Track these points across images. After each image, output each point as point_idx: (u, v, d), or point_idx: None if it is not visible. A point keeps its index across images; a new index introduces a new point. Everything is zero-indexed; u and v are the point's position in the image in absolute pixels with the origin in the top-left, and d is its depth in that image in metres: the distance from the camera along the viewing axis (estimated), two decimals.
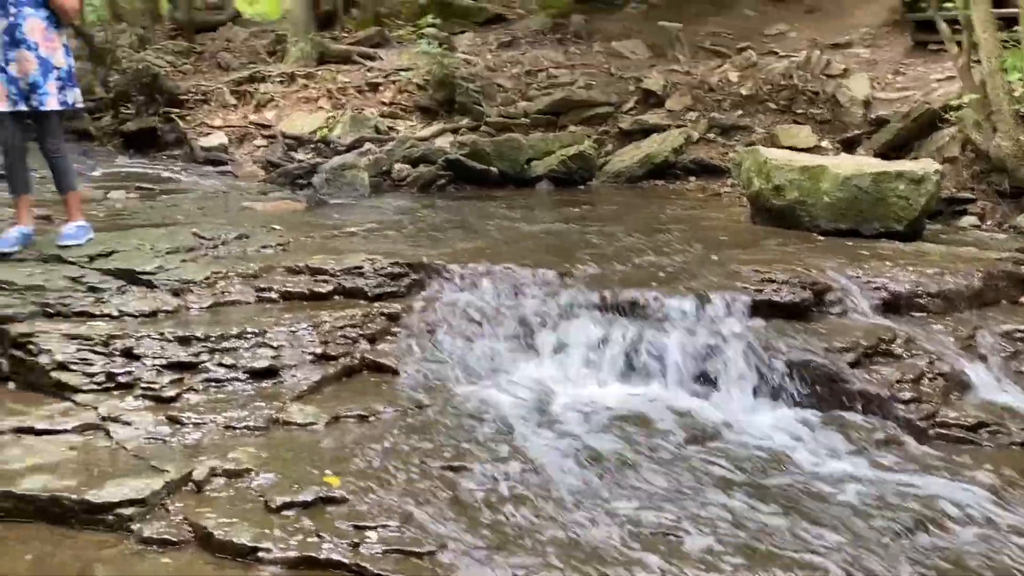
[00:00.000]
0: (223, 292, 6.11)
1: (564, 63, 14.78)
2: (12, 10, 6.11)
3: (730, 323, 5.62)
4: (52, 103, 6.24)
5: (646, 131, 12.16)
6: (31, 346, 5.28)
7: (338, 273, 6.27)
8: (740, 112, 12.33)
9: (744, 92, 12.64)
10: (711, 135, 12.01)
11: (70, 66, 6.39)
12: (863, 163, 8.11)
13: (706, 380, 5.38)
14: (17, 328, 5.44)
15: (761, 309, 5.75)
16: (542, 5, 17.33)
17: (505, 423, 4.93)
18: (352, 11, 19.86)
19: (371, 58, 15.93)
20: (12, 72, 6.13)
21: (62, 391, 5.09)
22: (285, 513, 4.01)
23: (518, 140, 11.50)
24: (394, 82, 14.64)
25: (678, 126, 12.06)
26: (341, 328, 5.69)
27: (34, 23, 6.16)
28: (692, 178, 11.27)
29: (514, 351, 5.73)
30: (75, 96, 6.44)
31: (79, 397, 5.03)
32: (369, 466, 4.40)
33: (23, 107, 6.19)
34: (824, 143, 11.18)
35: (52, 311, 5.68)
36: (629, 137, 12.25)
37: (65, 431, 4.72)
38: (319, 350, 5.50)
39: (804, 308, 5.88)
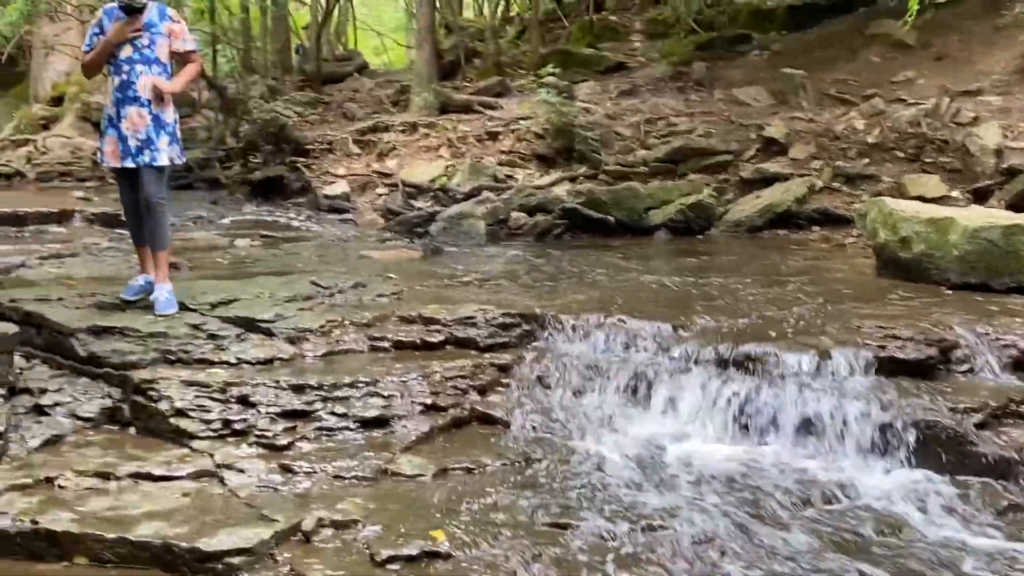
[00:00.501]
0: (337, 341, 6.18)
1: (684, 111, 14.69)
2: (125, 67, 6.13)
3: (851, 381, 5.45)
4: (163, 159, 6.21)
5: (768, 180, 11.97)
6: (152, 392, 5.42)
7: (450, 323, 6.29)
8: (866, 161, 12.06)
9: (870, 140, 12.35)
10: (836, 184, 11.76)
11: (175, 121, 6.37)
12: (994, 215, 7.82)
13: (824, 439, 5.20)
14: (139, 374, 5.58)
15: (884, 366, 5.55)
16: (664, 53, 17.28)
17: (615, 479, 4.84)
18: (474, 61, 20.14)
19: (491, 107, 16.10)
20: (124, 129, 6.15)
21: (180, 437, 5.20)
22: (390, 567, 3.99)
23: (636, 189, 11.44)
24: (513, 131, 14.75)
25: (801, 175, 11.84)
26: (451, 379, 5.70)
27: (147, 81, 6.14)
28: (815, 228, 11.02)
29: (625, 405, 5.65)
30: (178, 151, 6.40)
31: (196, 443, 5.13)
32: (475, 520, 4.36)
33: (131, 164, 6.19)
34: (954, 193, 10.83)
35: (173, 358, 5.81)
36: (750, 186, 12.07)
37: (181, 477, 4.81)
38: (429, 400, 5.51)
39: (929, 366, 5.67)
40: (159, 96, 6.17)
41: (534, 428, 5.46)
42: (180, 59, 6.39)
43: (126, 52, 6.12)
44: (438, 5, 19.33)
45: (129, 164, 6.18)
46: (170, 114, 6.26)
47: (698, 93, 15.55)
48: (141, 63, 6.13)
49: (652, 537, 4.26)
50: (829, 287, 7.51)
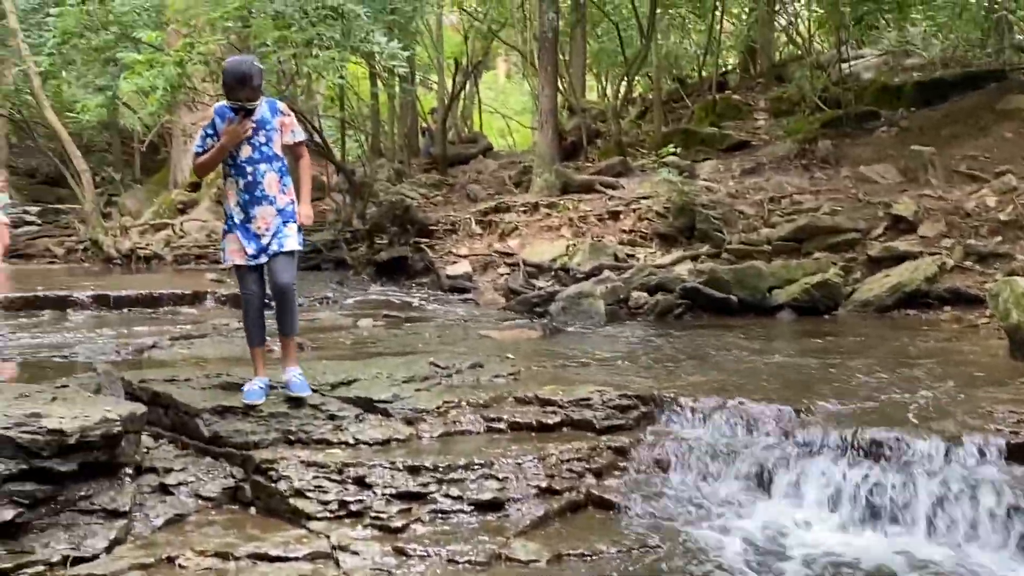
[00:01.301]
0: (454, 421, 6.19)
1: (809, 188, 14.48)
2: (248, 168, 6.04)
3: (983, 468, 5.19)
4: (291, 244, 6.11)
5: (896, 258, 11.67)
6: (272, 472, 5.49)
7: (566, 404, 6.24)
8: (999, 239, 11.67)
9: (1003, 218, 11.97)
10: (967, 263, 11.40)
11: (296, 208, 6.24)
12: None
13: (956, 530, 4.96)
14: (261, 454, 5.67)
15: (1017, 453, 5.28)
16: (788, 131, 17.11)
17: (735, 568, 4.70)
18: (596, 142, 20.27)
19: (612, 187, 16.15)
20: (253, 228, 6.07)
21: (298, 517, 5.24)
22: None
23: (759, 268, 11.27)
24: (634, 210, 14.75)
25: (931, 253, 11.52)
26: (567, 461, 5.64)
27: (271, 178, 6.08)
28: (946, 308, 10.66)
29: (746, 490, 5.50)
30: (301, 238, 6.28)
31: (313, 524, 5.16)
32: None
33: (263, 260, 6.08)
34: None
35: (293, 438, 5.89)
36: (878, 264, 11.78)
37: (297, 559, 4.85)
38: (544, 483, 5.45)
39: None
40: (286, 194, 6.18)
41: (652, 513, 5.35)
42: (290, 151, 6.31)
43: (245, 152, 6.05)
44: (561, 88, 19.56)
45: (262, 260, 6.09)
46: (292, 203, 6.20)
47: (823, 171, 15.31)
48: (263, 161, 6.08)
49: None
50: (959, 370, 7.23)
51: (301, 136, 6.34)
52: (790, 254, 12.45)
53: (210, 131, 6.15)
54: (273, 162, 6.11)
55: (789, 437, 5.70)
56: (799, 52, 20.71)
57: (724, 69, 23.90)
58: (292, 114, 6.36)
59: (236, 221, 6.10)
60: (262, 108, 6.10)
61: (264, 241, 6.05)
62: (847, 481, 5.27)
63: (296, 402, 6.13)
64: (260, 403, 6.06)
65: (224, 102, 6.11)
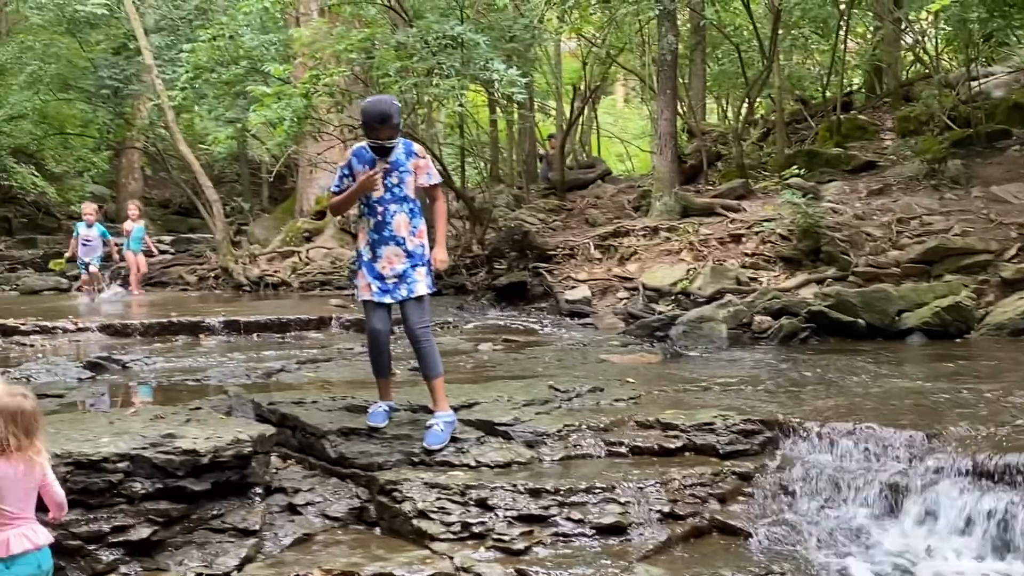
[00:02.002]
0: (575, 445, 6.19)
1: (939, 209, 14.07)
2: (379, 208, 6.09)
3: None
4: (422, 289, 6.13)
5: None
6: (396, 493, 5.57)
7: (689, 429, 6.19)
8: None
9: None
10: None
11: (426, 251, 6.24)
12: None
13: None
14: (385, 475, 5.76)
15: None
16: (916, 151, 16.67)
17: None
18: (717, 164, 20.09)
19: (734, 209, 15.96)
20: (379, 268, 6.11)
21: (421, 538, 5.31)
22: None
23: (887, 291, 11.00)
24: (757, 233, 14.55)
25: None
26: (690, 486, 5.59)
27: (400, 219, 6.10)
28: None
29: (875, 517, 5.37)
30: (431, 281, 6.26)
31: (436, 545, 5.22)
32: None
33: (388, 300, 6.12)
34: None
35: (416, 459, 5.97)
36: (1012, 287, 11.36)
37: None
38: (667, 508, 5.41)
39: None
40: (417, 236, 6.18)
41: (777, 540, 5.26)
42: (425, 193, 6.35)
43: (378, 192, 6.09)
44: (681, 111, 19.47)
45: (387, 300, 6.13)
46: (422, 246, 6.20)
47: (953, 191, 14.87)
48: (394, 202, 6.10)
49: None
50: None
51: (436, 179, 6.33)
52: (919, 277, 12.11)
53: (346, 172, 6.22)
54: (404, 204, 6.13)
55: (919, 462, 5.54)
56: (927, 71, 20.18)
57: (849, 89, 23.44)
58: (428, 156, 6.36)
59: (365, 259, 6.18)
60: (397, 149, 6.12)
61: (389, 283, 6.10)
62: (980, 508, 5.10)
63: (418, 424, 6.23)
64: (383, 425, 6.15)
65: (362, 143, 6.19)
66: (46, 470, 4.24)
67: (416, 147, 6.27)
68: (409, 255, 6.11)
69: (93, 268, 16.38)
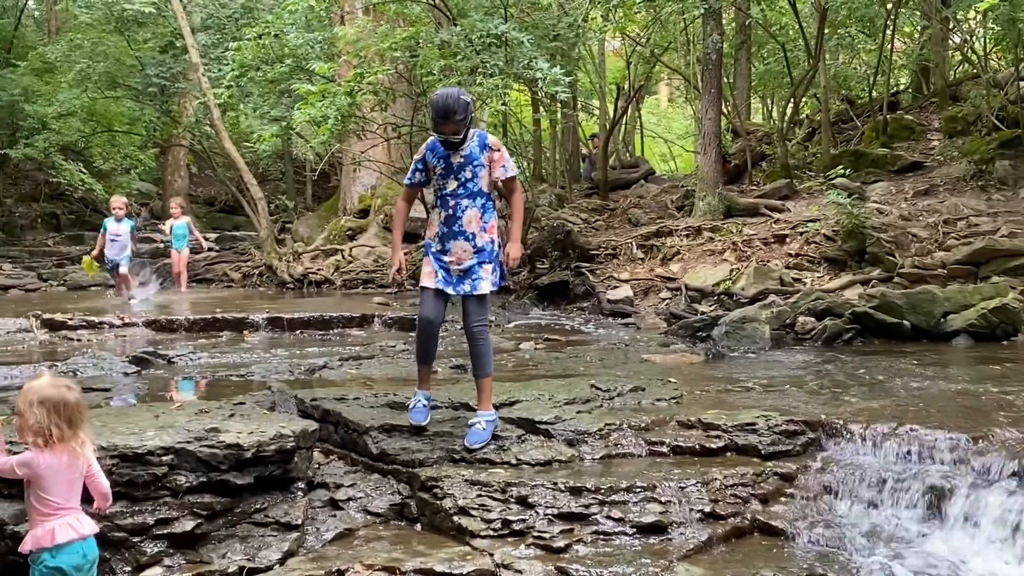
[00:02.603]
0: (616, 444, 6.18)
1: (986, 210, 13.93)
2: (451, 202, 6.00)
3: None
4: (485, 287, 6.03)
5: None
6: (437, 490, 5.59)
7: (730, 429, 6.16)
8: None
9: None
10: None
11: (496, 247, 6.15)
12: None
13: None
14: (426, 472, 5.78)
15: None
16: (964, 151, 16.51)
17: None
18: (761, 164, 19.98)
19: (778, 210, 15.88)
20: (445, 260, 6.02)
21: (462, 535, 5.31)
22: None
23: (933, 292, 10.88)
24: (801, 233, 14.46)
25: None
26: (732, 486, 5.55)
27: (471, 214, 6.00)
28: None
29: (919, 520, 5.31)
30: (498, 277, 6.17)
31: (476, 542, 5.22)
32: None
33: (451, 291, 6.02)
34: None
35: (457, 457, 5.98)
36: None
37: (462, 575, 4.90)
38: (708, 508, 5.38)
39: None
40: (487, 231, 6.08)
41: (820, 541, 5.22)
42: (503, 186, 6.21)
43: (451, 186, 6.01)
44: (725, 110, 19.38)
45: (448, 291, 6.03)
46: (492, 242, 6.10)
47: (1001, 192, 14.71)
48: (466, 197, 6.00)
49: None
50: None
51: (512, 171, 6.17)
52: (966, 278, 11.99)
53: (420, 166, 6.16)
54: (476, 199, 6.02)
55: (964, 465, 5.48)
56: (974, 70, 19.96)
57: (895, 89, 23.24)
58: (502, 148, 6.18)
59: (433, 249, 6.10)
60: (471, 143, 6.01)
61: (454, 275, 6.01)
62: None
63: (459, 422, 6.24)
64: (425, 423, 6.11)
65: (434, 137, 6.07)
66: (91, 461, 4.31)
67: (490, 139, 6.12)
68: (478, 251, 6.03)
69: (123, 269, 15.33)
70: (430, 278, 6.03)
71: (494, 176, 6.07)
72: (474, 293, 6.02)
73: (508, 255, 6.16)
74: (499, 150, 6.09)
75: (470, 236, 6.01)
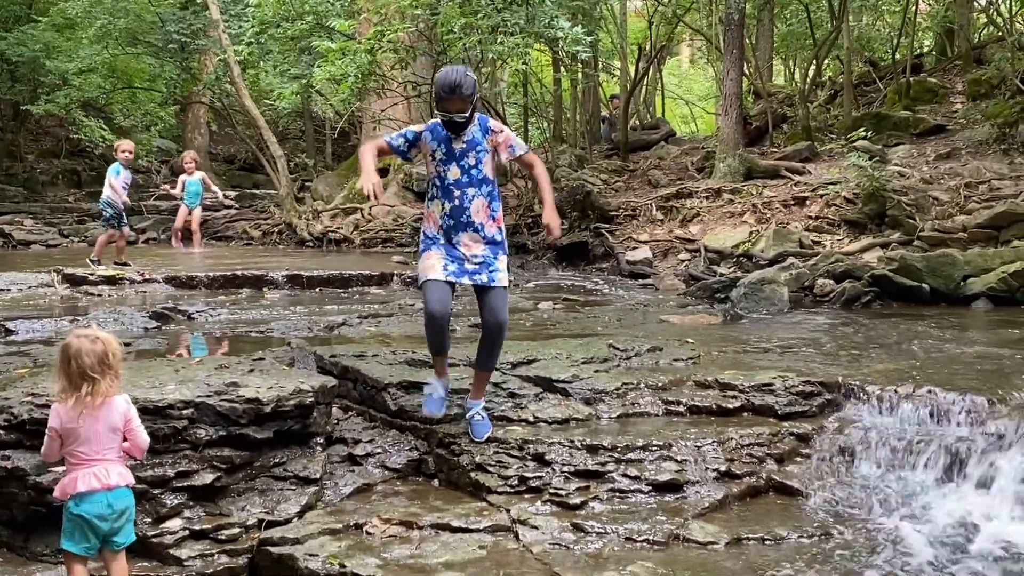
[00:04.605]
0: (632, 403, 6.20)
1: (1008, 174, 13.79)
2: (456, 192, 5.63)
3: None
4: (503, 279, 5.66)
5: None
6: (455, 446, 5.64)
7: (747, 389, 6.17)
8: None
9: None
10: None
11: (504, 235, 5.84)
12: None
13: None
14: (444, 428, 5.81)
15: None
16: (987, 115, 16.33)
17: (919, 560, 4.57)
18: (782, 126, 19.84)
19: (799, 172, 15.78)
20: (460, 250, 5.64)
21: (479, 491, 5.37)
22: None
23: (953, 256, 10.83)
24: (821, 196, 14.38)
25: None
26: (747, 446, 5.58)
27: (479, 203, 5.65)
28: None
29: (934, 481, 5.32)
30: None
31: (493, 498, 5.28)
32: None
33: (466, 280, 5.59)
34: None
35: None
36: None
37: (478, 530, 4.98)
38: (724, 467, 5.41)
39: None
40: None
41: (835, 501, 5.25)
42: (520, 164, 5.98)
43: (454, 174, 5.64)
44: (747, 72, 19.23)
45: (464, 280, 5.60)
46: (501, 232, 5.78)
47: None
48: (471, 185, 5.64)
49: None
50: None
51: (522, 148, 5.81)
52: (987, 242, 11.90)
53: (411, 136, 5.80)
54: (483, 186, 5.66)
55: (980, 428, 5.48)
56: (999, 33, 19.71)
57: (919, 51, 22.99)
58: (505, 129, 5.83)
59: (440, 242, 5.69)
60: (472, 127, 5.65)
61: (469, 266, 5.60)
62: None
63: None
64: (439, 415, 5.77)
65: (436, 119, 5.74)
66: (130, 415, 4.36)
67: (492, 123, 5.75)
68: (488, 242, 5.67)
69: (126, 230, 13.63)
70: (435, 271, 5.57)
71: (502, 159, 5.75)
72: (492, 284, 5.61)
73: (548, 225, 5.78)
74: (502, 131, 5.75)
75: (479, 227, 5.66)
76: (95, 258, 12.86)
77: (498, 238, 5.74)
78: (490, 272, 5.62)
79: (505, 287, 5.69)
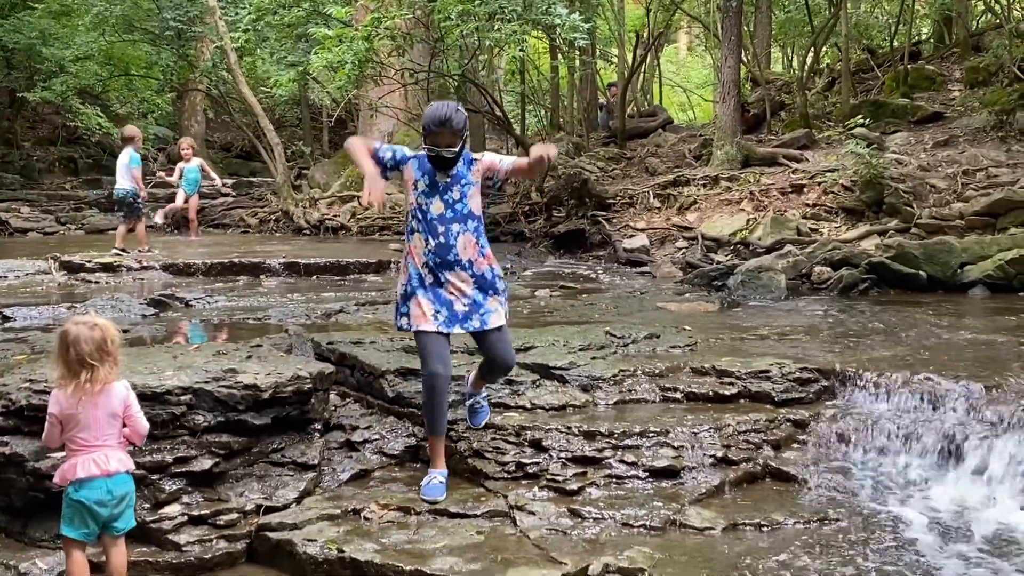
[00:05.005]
0: (629, 390, 6.22)
1: (1006, 162, 13.80)
2: (440, 228, 5.28)
3: None
4: (497, 320, 5.35)
5: None
6: (452, 432, 5.64)
7: (744, 376, 6.19)
8: None
9: None
10: None
11: (498, 277, 5.47)
12: None
13: None
14: None
15: None
16: (985, 102, 16.33)
17: (917, 544, 4.59)
18: (780, 114, 19.83)
19: (796, 160, 15.77)
20: (444, 293, 5.29)
21: (476, 477, 5.39)
22: None
23: (950, 243, 10.84)
24: (819, 183, 14.38)
25: None
26: (744, 432, 5.60)
27: (465, 239, 5.30)
28: None
29: (931, 467, 5.34)
30: (507, 308, 5.52)
31: (490, 484, 5.29)
32: None
33: (457, 329, 5.29)
34: None
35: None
36: None
37: (475, 516, 4.99)
38: (720, 453, 5.43)
39: None
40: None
41: (832, 487, 5.27)
42: (512, 174, 5.46)
43: (436, 208, 5.29)
44: (745, 59, 19.20)
45: (456, 329, 5.27)
46: (492, 270, 5.42)
47: (1021, 143, 14.56)
48: (456, 221, 5.29)
49: None
50: None
51: (508, 159, 5.50)
52: (984, 229, 11.91)
53: (399, 156, 5.44)
54: (468, 222, 5.32)
55: (977, 414, 5.50)
56: (997, 20, 19.70)
57: (917, 38, 22.97)
58: (486, 152, 5.58)
59: (425, 283, 5.31)
60: (459, 162, 5.34)
61: (458, 309, 5.26)
62: None
63: (473, 366, 6.21)
64: (441, 500, 5.18)
65: (422, 151, 5.40)
66: (129, 401, 4.37)
67: (473, 154, 5.43)
68: (478, 280, 5.33)
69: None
70: (425, 320, 5.23)
71: (502, 168, 5.39)
72: (486, 328, 5.30)
73: (543, 154, 5.13)
74: (482, 156, 5.45)
75: (466, 265, 5.29)
76: (143, 248, 13.22)
77: (488, 276, 5.35)
78: (481, 316, 5.29)
79: (501, 327, 5.37)
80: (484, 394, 5.80)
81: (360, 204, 18.95)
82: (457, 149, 5.24)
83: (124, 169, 13.07)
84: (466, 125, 5.29)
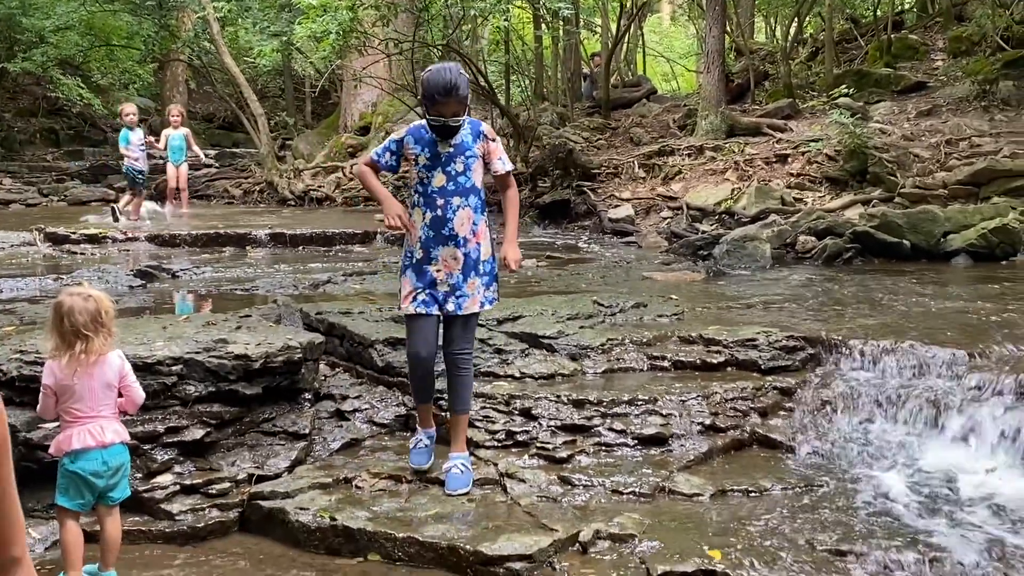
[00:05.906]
0: (618, 359, 6.27)
1: (988, 131, 13.87)
2: (439, 200, 5.04)
3: None
4: (471, 306, 5.10)
5: None
6: (442, 401, 5.67)
7: (731, 345, 6.24)
8: None
9: None
10: None
11: (493, 257, 5.27)
12: None
13: None
14: None
15: None
16: (967, 72, 16.37)
17: (901, 509, 4.66)
18: (764, 84, 19.84)
19: (780, 129, 15.80)
20: (432, 272, 5.07)
21: (466, 445, 5.41)
22: None
23: (933, 212, 10.90)
24: (803, 153, 14.41)
25: None
26: (732, 400, 5.66)
27: (463, 215, 5.05)
28: None
29: (915, 433, 5.41)
30: (494, 292, 5.29)
31: (481, 452, 5.35)
32: (752, 542, 4.31)
33: (434, 311, 5.07)
34: None
35: None
36: None
37: None
38: (708, 421, 5.49)
39: None
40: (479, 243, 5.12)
41: (818, 454, 5.35)
42: (498, 180, 5.31)
43: (438, 181, 5.04)
44: (729, 29, 19.17)
45: (433, 311, 5.07)
46: (486, 247, 5.18)
47: (1004, 112, 14.62)
48: (457, 195, 5.04)
49: (940, 570, 4.06)
50: None
51: (508, 166, 5.29)
52: (967, 199, 11.99)
53: (393, 147, 5.20)
54: (469, 196, 5.06)
55: (961, 381, 5.57)
56: None
57: (900, 8, 22.97)
58: (498, 139, 5.33)
59: (415, 260, 5.13)
60: (463, 130, 5.09)
61: (440, 289, 5.06)
62: (1020, 426, 5.12)
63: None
64: (426, 467, 5.15)
65: (421, 122, 5.20)
66: (124, 372, 4.38)
67: (485, 127, 5.22)
68: (465, 259, 5.08)
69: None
70: (406, 301, 5.12)
71: (492, 170, 5.20)
72: (459, 313, 5.08)
73: (506, 258, 5.22)
74: (495, 140, 5.24)
75: (460, 241, 5.05)
76: (134, 217, 13.90)
77: (473, 255, 5.09)
78: (457, 299, 5.07)
79: (472, 315, 5.15)
80: (464, 456, 5.16)
81: (345, 174, 18.93)
82: (462, 118, 5.02)
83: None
84: (468, 86, 5.03)
